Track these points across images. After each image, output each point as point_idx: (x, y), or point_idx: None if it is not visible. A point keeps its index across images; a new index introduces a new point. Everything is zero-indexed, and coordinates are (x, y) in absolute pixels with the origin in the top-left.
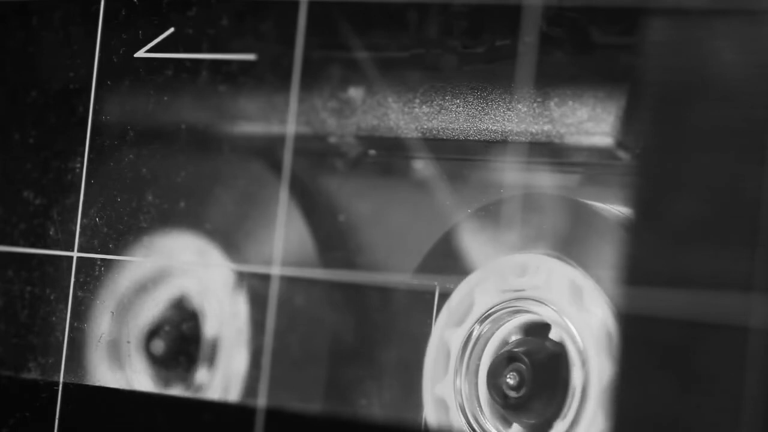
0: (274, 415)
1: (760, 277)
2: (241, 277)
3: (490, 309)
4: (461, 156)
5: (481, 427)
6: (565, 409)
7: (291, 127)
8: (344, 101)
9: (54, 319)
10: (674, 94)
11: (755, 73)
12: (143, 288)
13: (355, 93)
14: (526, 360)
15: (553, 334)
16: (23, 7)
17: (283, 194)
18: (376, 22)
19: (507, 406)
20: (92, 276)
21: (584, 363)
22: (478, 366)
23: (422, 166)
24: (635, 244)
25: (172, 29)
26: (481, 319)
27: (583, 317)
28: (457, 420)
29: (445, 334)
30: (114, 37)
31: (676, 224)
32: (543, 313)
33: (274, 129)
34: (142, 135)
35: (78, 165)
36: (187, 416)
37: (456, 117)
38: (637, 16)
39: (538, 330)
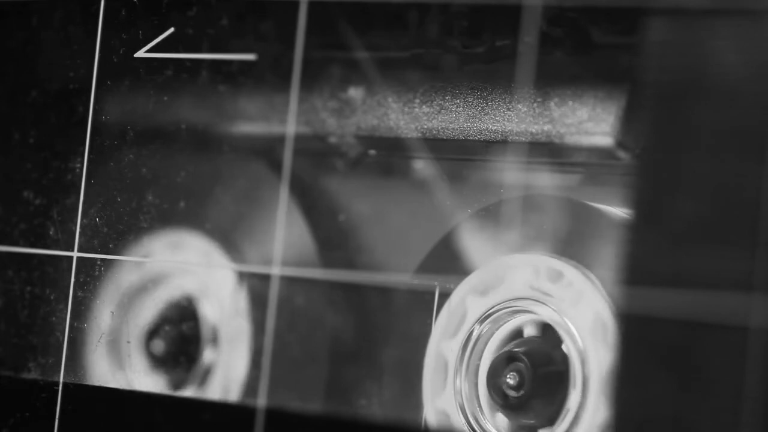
0: (274, 415)
1: (760, 277)
2: (241, 277)
3: (510, 300)
4: (461, 156)
5: (481, 427)
6: (564, 410)
7: (291, 127)
8: (344, 101)
9: (54, 319)
10: (674, 94)
11: (755, 73)
12: (143, 288)
13: (355, 93)
14: (526, 360)
15: (564, 347)
16: (23, 7)
17: (283, 194)
18: (376, 22)
19: (507, 406)
20: (92, 276)
21: (584, 363)
22: (478, 366)
23: (422, 166)
24: (635, 244)
25: (172, 29)
26: (481, 319)
27: (601, 352)
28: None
29: (467, 300)
30: (114, 37)
31: (676, 224)
32: (543, 314)
33: (274, 129)
34: (142, 135)
35: (78, 165)
36: (187, 416)
37: (456, 117)
38: (637, 16)
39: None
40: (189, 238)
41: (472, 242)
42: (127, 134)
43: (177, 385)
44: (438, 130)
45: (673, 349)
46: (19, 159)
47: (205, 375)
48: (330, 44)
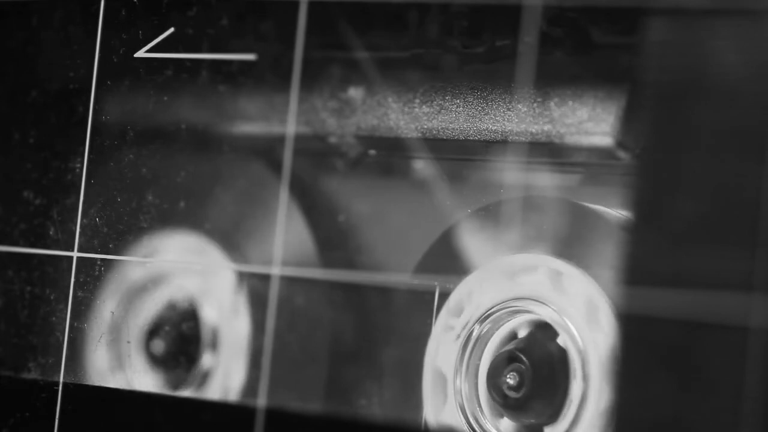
0: (274, 415)
1: (760, 277)
2: (241, 277)
3: (494, 305)
4: (461, 156)
5: (481, 427)
6: (565, 408)
7: (291, 127)
8: (344, 101)
9: (54, 319)
10: (674, 94)
11: (755, 73)
12: (143, 288)
13: (355, 93)
14: (526, 360)
15: (561, 340)
16: (23, 7)
17: (283, 194)
18: (376, 22)
19: (507, 406)
20: (92, 276)
21: (584, 362)
22: (478, 366)
23: (422, 166)
24: (635, 244)
25: (172, 29)
26: (481, 319)
27: (593, 333)
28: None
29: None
30: (114, 37)
31: (676, 224)
32: (543, 313)
33: (274, 129)
34: (142, 135)
35: (78, 165)
36: (187, 416)
37: (456, 117)
38: (637, 16)
39: (540, 330)
40: (189, 238)
41: (472, 242)
42: (127, 134)
43: (177, 384)
44: (438, 130)
45: (673, 349)
46: (19, 159)
47: (205, 374)
48: (330, 44)
